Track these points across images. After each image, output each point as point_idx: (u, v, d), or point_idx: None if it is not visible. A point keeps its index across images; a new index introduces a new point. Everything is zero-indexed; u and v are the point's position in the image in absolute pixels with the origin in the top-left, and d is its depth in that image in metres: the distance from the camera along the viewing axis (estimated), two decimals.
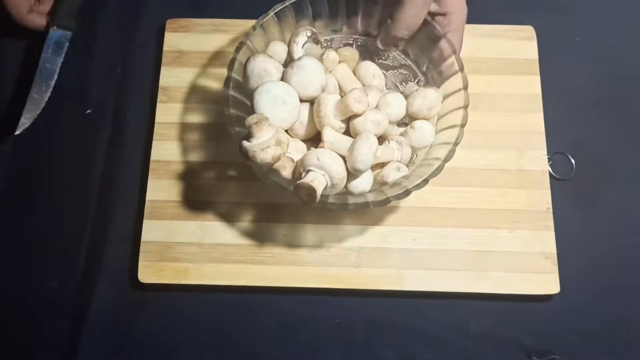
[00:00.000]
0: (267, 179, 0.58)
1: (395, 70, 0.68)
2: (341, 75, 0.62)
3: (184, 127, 0.71)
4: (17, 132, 0.67)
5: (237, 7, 0.76)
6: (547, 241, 0.67)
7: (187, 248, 0.66)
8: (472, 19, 0.74)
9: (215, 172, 0.69)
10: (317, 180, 0.55)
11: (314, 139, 0.61)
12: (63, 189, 0.71)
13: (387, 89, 0.66)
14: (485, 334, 0.66)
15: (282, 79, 0.59)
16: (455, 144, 0.60)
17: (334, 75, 0.62)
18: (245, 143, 0.54)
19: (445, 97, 0.63)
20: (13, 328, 0.66)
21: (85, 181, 0.71)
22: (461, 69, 0.62)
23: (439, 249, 0.66)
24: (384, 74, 0.66)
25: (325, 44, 0.68)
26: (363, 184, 0.59)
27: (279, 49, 0.64)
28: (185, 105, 0.72)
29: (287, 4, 0.64)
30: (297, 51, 0.62)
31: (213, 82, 0.73)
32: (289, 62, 0.62)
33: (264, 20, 0.63)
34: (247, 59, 0.60)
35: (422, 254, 0.66)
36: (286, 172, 0.57)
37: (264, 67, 0.59)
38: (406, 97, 0.62)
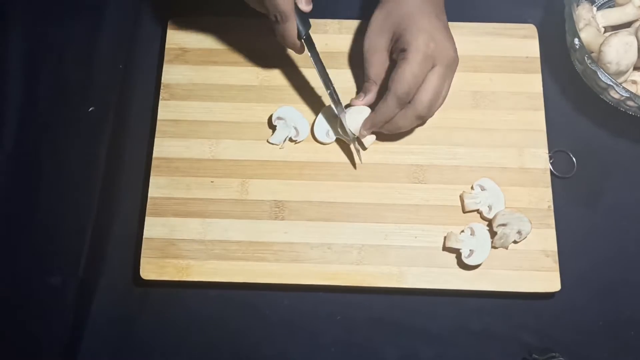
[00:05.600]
0: None
1: None
2: None
3: (186, 124, 0.71)
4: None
5: (239, 4, 0.76)
6: (548, 239, 0.67)
7: (188, 245, 0.67)
8: (473, 17, 0.75)
9: (216, 169, 0.69)
10: None
11: None
12: (65, 186, 0.71)
13: None
14: (486, 331, 0.66)
15: None
16: None
17: None
18: None
19: None
20: (16, 324, 0.67)
21: (87, 178, 0.71)
22: None
23: (440, 247, 0.67)
24: None
25: None
26: None
27: None
28: (187, 102, 0.72)
29: None
30: None
31: (215, 80, 0.73)
32: None
33: None
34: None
35: (423, 252, 0.66)
36: None
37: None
38: None
